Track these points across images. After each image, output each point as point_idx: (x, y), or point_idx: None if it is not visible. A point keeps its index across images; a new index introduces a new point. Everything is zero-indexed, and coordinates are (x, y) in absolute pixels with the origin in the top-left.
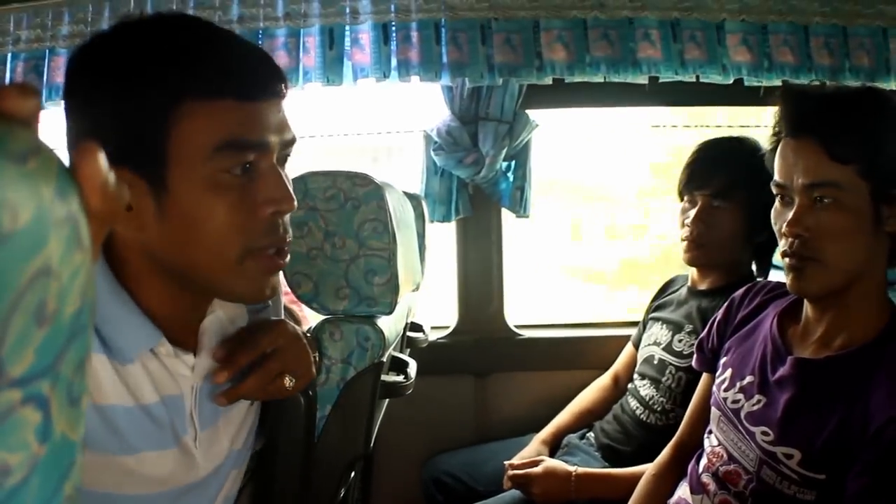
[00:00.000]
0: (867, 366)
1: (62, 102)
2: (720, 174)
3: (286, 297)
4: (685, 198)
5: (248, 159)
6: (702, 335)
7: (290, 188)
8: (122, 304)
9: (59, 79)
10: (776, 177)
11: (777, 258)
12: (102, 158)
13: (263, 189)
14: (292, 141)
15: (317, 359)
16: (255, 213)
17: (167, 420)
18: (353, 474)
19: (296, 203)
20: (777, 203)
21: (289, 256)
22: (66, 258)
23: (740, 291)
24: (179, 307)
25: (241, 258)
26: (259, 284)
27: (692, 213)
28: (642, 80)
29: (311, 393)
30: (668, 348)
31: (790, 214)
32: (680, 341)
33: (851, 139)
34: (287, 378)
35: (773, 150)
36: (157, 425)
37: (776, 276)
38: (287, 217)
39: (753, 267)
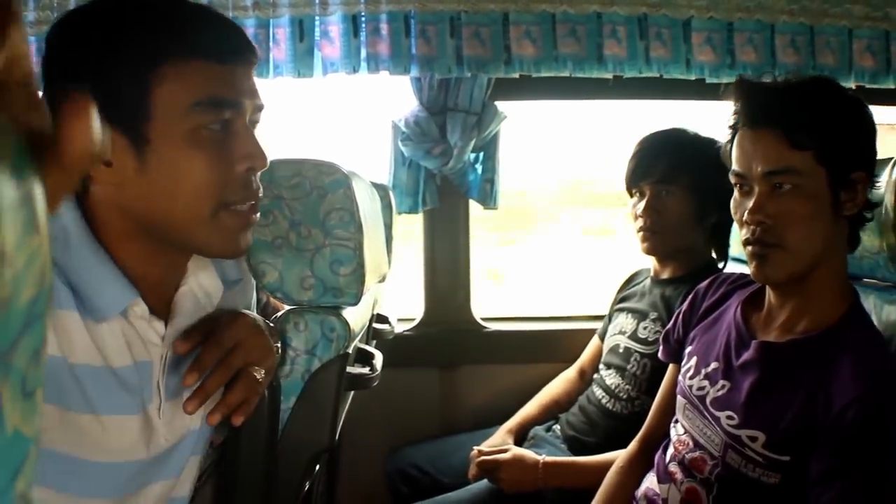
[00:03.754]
0: (829, 348)
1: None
2: (662, 161)
3: None
4: (633, 191)
5: (225, 117)
6: (667, 326)
7: (264, 149)
8: (100, 262)
9: None
10: (735, 166)
11: (736, 250)
12: (94, 114)
13: (239, 146)
14: (262, 107)
15: (279, 349)
16: (230, 168)
17: (134, 385)
18: (317, 467)
19: (268, 161)
20: (736, 193)
21: (258, 214)
22: (22, 243)
23: (705, 283)
24: (156, 267)
25: (216, 211)
26: (234, 238)
27: (642, 204)
28: (608, 75)
29: (274, 384)
30: (634, 336)
31: (750, 203)
32: (645, 328)
33: (809, 126)
34: (255, 370)
35: (730, 142)
36: (124, 389)
37: (738, 268)
38: (258, 175)
39: (713, 254)
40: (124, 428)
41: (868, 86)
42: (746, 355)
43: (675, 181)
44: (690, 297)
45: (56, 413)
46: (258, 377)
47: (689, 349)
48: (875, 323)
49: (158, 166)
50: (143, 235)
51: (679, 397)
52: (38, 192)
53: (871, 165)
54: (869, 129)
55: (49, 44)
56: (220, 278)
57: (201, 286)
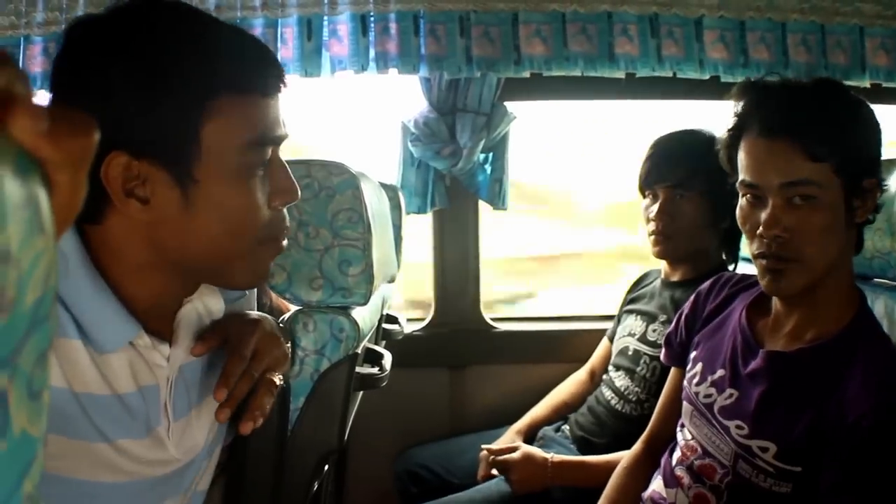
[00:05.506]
0: (839, 357)
1: (37, 92)
2: (679, 165)
3: None
4: (646, 193)
5: (269, 155)
6: (669, 330)
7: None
8: (102, 296)
9: (36, 68)
10: (745, 176)
11: (744, 250)
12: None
13: (276, 181)
14: (287, 136)
15: (288, 350)
16: (268, 203)
17: (142, 410)
18: (326, 467)
19: (300, 194)
20: (743, 202)
21: (286, 242)
22: (27, 243)
23: (706, 284)
24: (165, 299)
25: (253, 246)
26: (264, 269)
27: (655, 207)
28: (620, 74)
29: (284, 385)
30: (643, 338)
31: (763, 215)
32: (654, 331)
33: (828, 137)
34: (274, 375)
35: (731, 146)
36: (131, 415)
37: (746, 267)
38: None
39: (724, 256)
40: (136, 450)
41: (884, 84)
42: (754, 364)
43: (690, 187)
44: (692, 299)
45: (65, 443)
46: (277, 382)
47: (693, 354)
48: (886, 324)
49: (204, 205)
50: (162, 268)
51: (685, 403)
52: (43, 193)
53: (879, 171)
54: (879, 136)
55: (68, 56)
56: (223, 297)
57: (205, 305)
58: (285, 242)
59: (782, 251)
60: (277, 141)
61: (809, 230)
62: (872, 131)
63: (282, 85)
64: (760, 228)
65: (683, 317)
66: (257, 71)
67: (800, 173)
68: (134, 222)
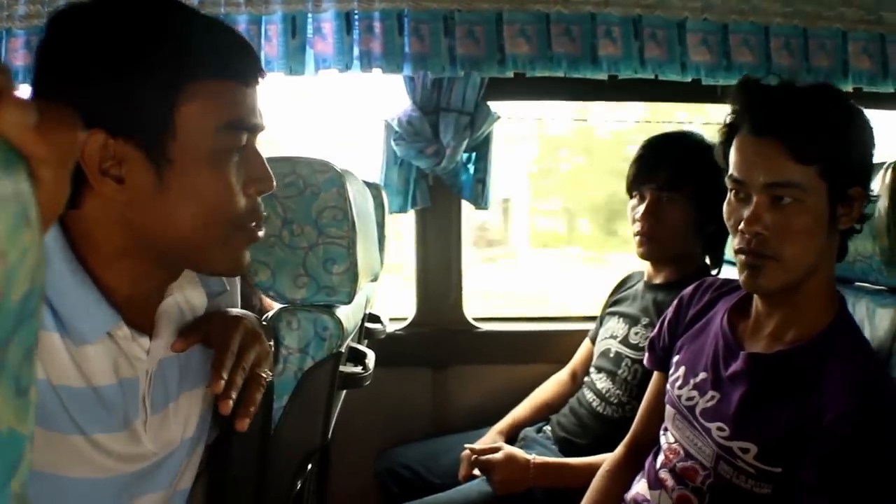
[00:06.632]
0: (818, 359)
1: (20, 85)
2: (666, 167)
3: None
4: (634, 194)
5: (243, 140)
6: (652, 334)
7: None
8: (82, 285)
9: (18, 61)
10: (733, 171)
11: (729, 254)
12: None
13: (251, 169)
14: (264, 129)
15: (271, 347)
16: (243, 190)
17: (119, 403)
18: (309, 466)
19: (275, 184)
20: (731, 197)
21: (262, 232)
22: (13, 238)
23: (689, 289)
24: (144, 288)
25: (229, 232)
26: (239, 257)
27: (641, 208)
28: (602, 76)
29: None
30: (625, 341)
31: (747, 211)
32: (636, 334)
33: (816, 141)
34: (262, 371)
35: (726, 142)
36: (107, 408)
37: (730, 272)
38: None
39: (707, 260)
40: (111, 445)
41: (866, 89)
42: (735, 366)
43: (677, 189)
44: (675, 304)
45: (41, 434)
46: (265, 376)
47: (676, 358)
48: (867, 327)
49: (178, 187)
50: (140, 255)
51: (668, 406)
52: (29, 186)
53: (868, 180)
54: (871, 146)
55: (50, 45)
56: (205, 291)
57: (186, 299)
58: (262, 233)
59: (761, 248)
60: (253, 129)
61: (789, 231)
62: (864, 140)
63: (259, 76)
64: (742, 224)
65: (666, 322)
66: (235, 59)
67: (785, 174)
68: (110, 205)
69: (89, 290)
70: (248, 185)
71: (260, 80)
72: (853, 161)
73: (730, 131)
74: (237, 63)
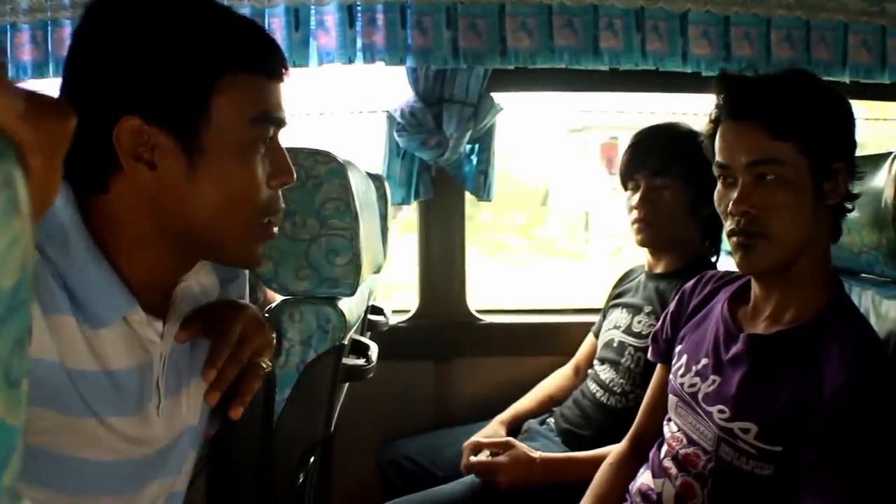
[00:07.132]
0: (817, 337)
1: (27, 81)
2: (656, 153)
3: None
4: (628, 185)
5: (271, 134)
6: (656, 327)
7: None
8: (99, 268)
9: (25, 56)
10: (718, 158)
11: (726, 244)
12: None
13: (275, 162)
14: (287, 122)
15: (274, 339)
16: (267, 182)
17: (133, 387)
18: (312, 459)
19: (296, 178)
20: (720, 185)
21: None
22: (2, 226)
23: (690, 283)
24: (162, 274)
25: (251, 224)
26: (255, 250)
27: (636, 196)
28: (604, 68)
29: (269, 375)
30: (628, 330)
31: (734, 194)
32: (639, 322)
33: (789, 117)
34: (262, 361)
35: (711, 136)
36: (121, 392)
37: (729, 263)
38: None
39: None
40: (124, 428)
41: (863, 81)
42: (735, 349)
43: (669, 173)
44: (677, 297)
45: (54, 417)
46: (264, 366)
47: (678, 348)
48: (873, 319)
49: (208, 175)
50: (162, 241)
51: (671, 396)
52: (19, 174)
53: (851, 156)
54: (848, 119)
55: (90, 25)
56: (218, 277)
57: (200, 283)
58: (276, 230)
59: (750, 227)
60: (280, 123)
61: (776, 207)
62: (841, 116)
63: (285, 72)
64: (731, 206)
65: (669, 314)
66: (266, 54)
67: (764, 152)
68: (139, 190)
69: (108, 274)
70: (271, 177)
71: (286, 76)
72: (830, 135)
73: (714, 125)
74: (268, 58)
